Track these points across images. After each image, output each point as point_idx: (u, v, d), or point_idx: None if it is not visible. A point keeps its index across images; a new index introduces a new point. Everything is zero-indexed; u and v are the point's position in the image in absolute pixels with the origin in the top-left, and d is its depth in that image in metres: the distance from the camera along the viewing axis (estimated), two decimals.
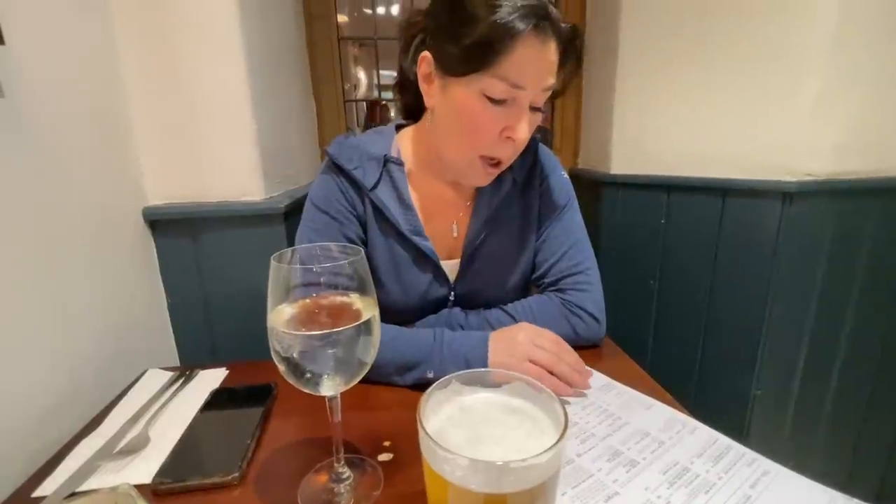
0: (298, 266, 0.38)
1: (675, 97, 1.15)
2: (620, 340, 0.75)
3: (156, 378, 0.66)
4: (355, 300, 0.41)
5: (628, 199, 1.27)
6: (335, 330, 0.37)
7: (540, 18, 0.52)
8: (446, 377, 0.33)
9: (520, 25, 0.51)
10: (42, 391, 0.60)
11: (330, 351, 0.38)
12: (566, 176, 0.78)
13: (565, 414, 0.29)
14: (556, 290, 0.73)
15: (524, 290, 0.78)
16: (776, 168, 1.02)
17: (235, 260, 0.90)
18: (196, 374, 0.67)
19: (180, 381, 0.65)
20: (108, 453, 0.50)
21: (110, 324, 0.74)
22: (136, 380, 0.66)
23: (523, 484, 0.26)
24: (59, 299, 0.64)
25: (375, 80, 1.76)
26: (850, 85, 0.97)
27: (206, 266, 0.90)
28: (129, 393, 0.63)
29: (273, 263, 0.37)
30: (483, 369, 0.34)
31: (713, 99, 1.09)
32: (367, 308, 0.41)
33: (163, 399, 0.60)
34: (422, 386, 0.61)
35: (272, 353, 0.39)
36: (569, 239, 0.74)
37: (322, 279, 0.39)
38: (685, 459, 0.48)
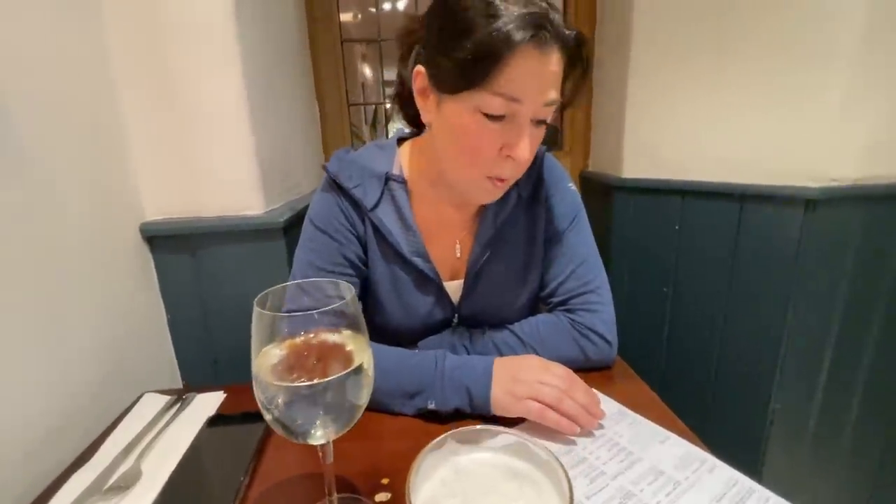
0: (283, 314, 0.35)
1: (690, 97, 1.10)
2: (631, 351, 0.71)
3: (151, 403, 0.65)
4: (347, 339, 0.39)
5: (641, 204, 1.23)
6: (326, 380, 0.35)
7: (539, 28, 0.48)
8: (441, 437, 0.31)
9: (517, 36, 0.47)
10: (36, 418, 0.58)
11: (320, 400, 0.36)
12: (573, 188, 0.74)
13: (569, 484, 0.26)
14: (565, 310, 0.70)
15: (532, 308, 0.75)
16: (798, 173, 0.97)
17: (235, 275, 0.88)
18: (192, 399, 0.65)
19: (176, 407, 0.63)
20: (99, 489, 0.49)
21: (108, 344, 0.73)
22: (132, 405, 0.65)
23: None
24: (54, 319, 0.62)
25: (381, 81, 1.73)
26: (880, 83, 0.91)
27: (205, 282, 0.88)
28: (123, 420, 0.62)
29: (256, 310, 0.34)
30: (481, 427, 0.32)
31: (731, 99, 1.04)
32: (359, 349, 0.38)
33: (157, 428, 0.58)
34: (424, 414, 0.58)
35: (257, 402, 0.37)
36: (577, 256, 0.71)
37: (311, 322, 0.36)
38: None
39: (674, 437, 0.55)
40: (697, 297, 1.17)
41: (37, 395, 0.59)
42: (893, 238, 0.99)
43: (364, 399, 0.39)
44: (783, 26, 0.95)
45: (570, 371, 0.59)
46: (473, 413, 0.57)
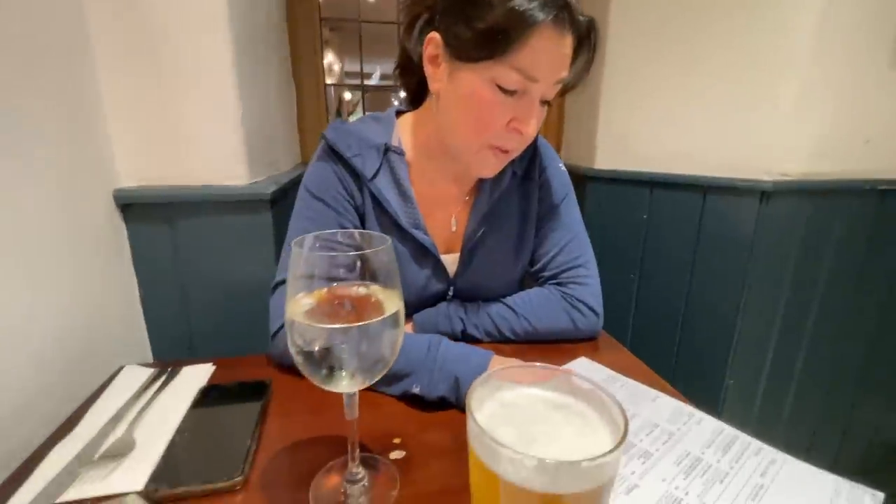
0: (322, 253, 0.35)
1: (661, 95, 1.17)
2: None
3: (134, 375, 0.61)
4: (377, 292, 0.39)
5: (612, 194, 1.29)
6: (361, 324, 0.35)
7: (560, 8, 0.51)
8: (485, 375, 0.32)
9: (539, 15, 0.50)
10: (3, 391, 0.53)
11: (354, 346, 0.36)
12: (564, 168, 0.78)
13: (621, 409, 0.28)
14: (556, 284, 0.73)
15: (521, 284, 0.78)
16: (755, 167, 1.07)
17: (217, 249, 0.84)
18: (180, 371, 0.62)
19: (162, 378, 0.60)
20: (89, 459, 0.45)
21: (77, 317, 0.67)
22: (112, 377, 0.61)
23: (588, 483, 0.25)
24: (19, 291, 0.57)
25: (358, 67, 1.70)
26: (827, 91, 1.02)
27: (183, 255, 0.83)
28: (104, 392, 0.58)
29: (294, 249, 0.34)
30: (520, 365, 0.33)
31: (698, 99, 1.12)
32: (390, 300, 0.39)
33: (145, 398, 0.55)
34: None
35: (290, 346, 0.36)
36: (568, 232, 0.74)
37: (344, 269, 0.36)
38: (696, 450, 0.49)
39: (663, 395, 0.59)
40: (662, 280, 1.25)
41: (2, 368, 0.54)
42: (831, 228, 1.11)
43: (394, 353, 0.39)
44: (746, 36, 1.04)
45: None
46: (457, 405, 0.55)
